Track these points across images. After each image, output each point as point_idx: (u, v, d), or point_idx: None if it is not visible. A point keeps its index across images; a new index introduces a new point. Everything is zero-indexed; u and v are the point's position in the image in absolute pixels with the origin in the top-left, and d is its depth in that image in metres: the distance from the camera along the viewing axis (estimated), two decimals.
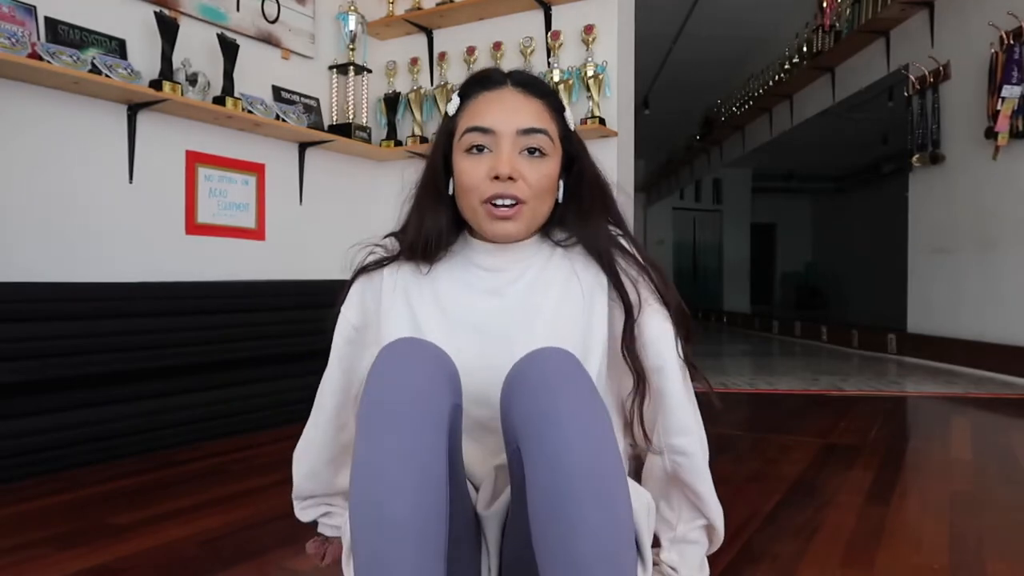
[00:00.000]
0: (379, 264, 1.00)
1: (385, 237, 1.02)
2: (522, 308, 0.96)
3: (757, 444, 2.30)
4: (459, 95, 0.98)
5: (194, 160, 2.76)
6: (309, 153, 3.25)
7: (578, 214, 0.99)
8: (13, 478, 1.87)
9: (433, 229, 0.97)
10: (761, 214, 10.51)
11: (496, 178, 0.91)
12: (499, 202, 0.92)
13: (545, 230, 1.00)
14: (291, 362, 2.64)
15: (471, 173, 0.92)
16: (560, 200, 0.99)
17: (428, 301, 0.97)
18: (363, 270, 1.01)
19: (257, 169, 3.02)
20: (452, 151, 0.96)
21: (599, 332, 0.93)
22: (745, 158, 8.96)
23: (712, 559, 1.29)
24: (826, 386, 3.66)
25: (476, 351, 0.93)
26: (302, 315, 2.66)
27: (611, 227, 1.00)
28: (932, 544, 1.38)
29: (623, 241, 0.99)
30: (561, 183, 0.99)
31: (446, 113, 1.00)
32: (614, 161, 3.10)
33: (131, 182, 2.54)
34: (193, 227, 2.76)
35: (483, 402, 0.91)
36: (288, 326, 2.63)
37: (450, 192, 0.97)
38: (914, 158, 4.69)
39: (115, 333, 2.12)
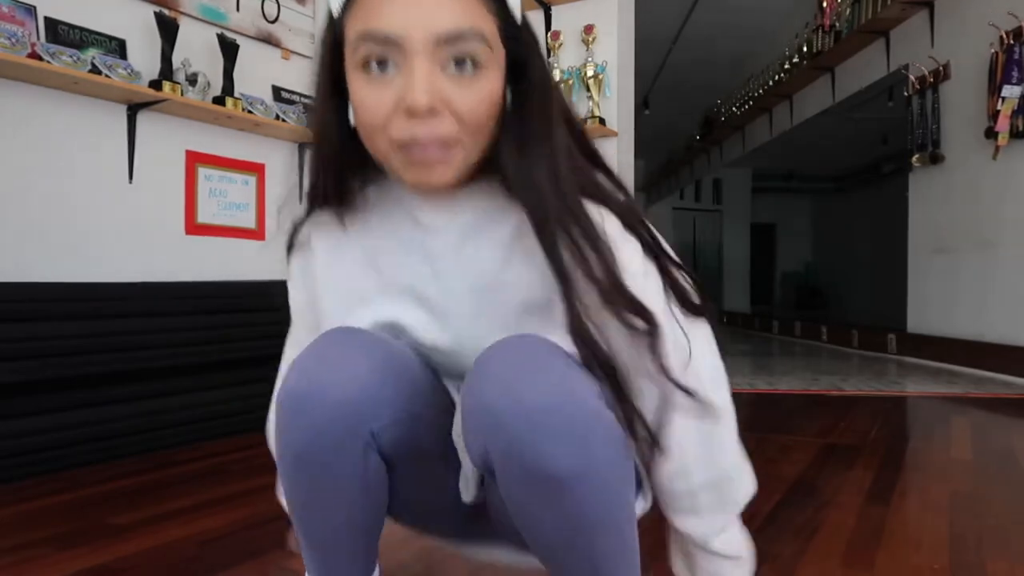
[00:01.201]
0: (296, 230, 0.86)
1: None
2: (458, 274, 0.75)
3: (757, 444, 2.30)
4: None
5: (194, 160, 2.76)
6: (309, 153, 3.24)
7: (518, 141, 0.69)
8: (13, 478, 1.86)
9: (333, 174, 0.76)
10: (761, 214, 10.53)
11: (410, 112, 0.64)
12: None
13: (495, 160, 0.71)
14: None
15: (372, 105, 0.65)
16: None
17: (359, 261, 0.80)
18: (291, 247, 0.88)
19: (257, 169, 3.02)
20: (344, 66, 0.69)
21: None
22: (745, 158, 8.96)
23: None
24: (826, 386, 3.65)
25: (414, 317, 0.77)
26: None
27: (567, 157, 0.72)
28: (932, 544, 1.37)
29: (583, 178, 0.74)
30: (508, 91, 0.70)
31: (329, 13, 0.69)
32: (614, 161, 3.09)
33: (131, 182, 2.54)
34: (193, 227, 2.76)
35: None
36: (288, 326, 2.62)
37: (351, 122, 0.71)
38: (914, 158, 4.69)
39: (115, 333, 2.12)
